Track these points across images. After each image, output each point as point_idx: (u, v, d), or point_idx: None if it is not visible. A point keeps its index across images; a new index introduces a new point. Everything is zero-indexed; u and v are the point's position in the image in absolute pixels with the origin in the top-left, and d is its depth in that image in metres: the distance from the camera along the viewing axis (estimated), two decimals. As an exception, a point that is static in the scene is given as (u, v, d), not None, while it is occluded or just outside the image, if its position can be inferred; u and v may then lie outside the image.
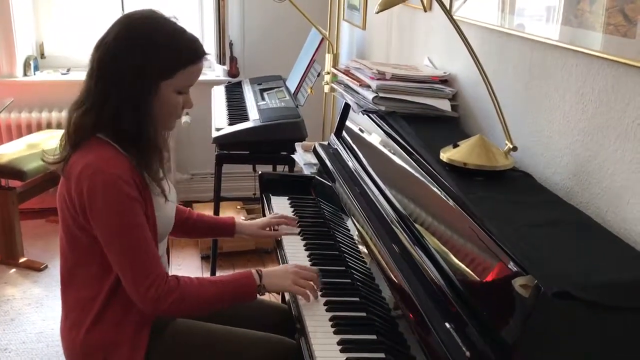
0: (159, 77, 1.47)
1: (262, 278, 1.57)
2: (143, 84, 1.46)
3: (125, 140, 1.49)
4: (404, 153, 1.73)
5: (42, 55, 4.05)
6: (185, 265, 3.49)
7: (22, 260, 3.42)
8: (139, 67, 1.45)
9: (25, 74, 3.93)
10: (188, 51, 1.51)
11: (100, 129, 1.49)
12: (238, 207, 3.82)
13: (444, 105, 2.00)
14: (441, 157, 1.57)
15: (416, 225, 1.53)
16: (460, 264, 1.29)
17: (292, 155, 2.65)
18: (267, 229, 1.96)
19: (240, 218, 2.00)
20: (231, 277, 1.58)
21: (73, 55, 4.04)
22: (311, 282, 1.59)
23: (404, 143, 1.76)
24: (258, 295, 1.58)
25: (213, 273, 3.14)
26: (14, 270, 3.37)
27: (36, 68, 3.96)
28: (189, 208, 1.93)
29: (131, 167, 1.48)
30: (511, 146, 1.53)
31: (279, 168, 3.32)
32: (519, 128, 1.68)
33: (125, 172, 1.46)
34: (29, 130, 3.84)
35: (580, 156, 1.45)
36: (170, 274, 1.78)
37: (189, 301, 1.50)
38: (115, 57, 1.46)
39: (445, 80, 2.08)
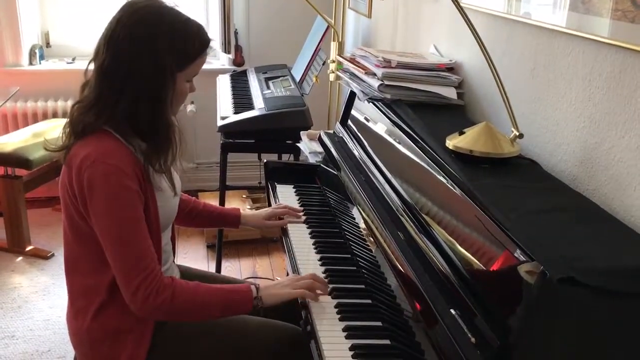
0: (176, 69, 1.47)
1: (260, 290, 1.53)
2: (162, 77, 1.45)
3: (136, 134, 1.49)
4: (409, 141, 1.72)
5: (48, 44, 4.05)
6: (191, 254, 3.51)
7: (28, 248, 3.44)
8: (157, 61, 1.44)
9: (30, 63, 3.93)
10: (199, 40, 1.50)
11: (110, 122, 1.48)
12: (243, 196, 3.83)
13: (450, 93, 2.00)
14: (447, 145, 1.57)
15: (422, 213, 1.53)
16: (466, 251, 1.29)
17: (297, 144, 2.65)
18: (272, 219, 1.97)
19: (245, 207, 2.01)
20: (228, 285, 1.56)
21: (78, 44, 4.04)
22: (310, 281, 1.54)
23: (409, 131, 1.75)
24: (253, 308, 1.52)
25: (219, 262, 3.16)
26: (20, 258, 3.40)
27: (42, 57, 3.96)
28: (194, 197, 1.93)
29: (133, 159, 1.48)
30: (517, 133, 1.52)
31: (285, 157, 3.32)
32: (525, 115, 1.67)
33: (126, 164, 1.45)
34: (35, 119, 3.84)
35: (587, 143, 1.45)
36: (176, 262, 1.80)
37: (181, 301, 1.46)
38: (131, 53, 1.43)
39: (451, 68, 2.07)
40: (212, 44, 1.55)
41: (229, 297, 1.51)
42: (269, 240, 3.64)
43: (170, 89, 1.48)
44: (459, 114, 1.98)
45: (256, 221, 1.97)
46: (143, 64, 1.44)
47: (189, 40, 1.48)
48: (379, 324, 1.43)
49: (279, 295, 1.54)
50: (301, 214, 1.99)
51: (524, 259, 1.09)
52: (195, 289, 1.49)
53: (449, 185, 1.45)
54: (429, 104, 1.98)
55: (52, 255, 3.40)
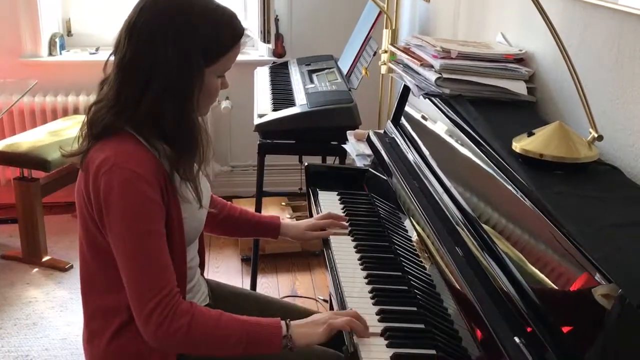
0: (204, 64, 1.49)
1: (290, 327, 1.50)
2: (189, 73, 1.47)
3: (160, 136, 1.51)
4: (471, 143, 1.72)
5: (69, 33, 4.16)
6: (223, 267, 3.56)
7: (45, 259, 3.53)
8: (184, 55, 1.46)
9: (50, 54, 4.04)
10: (230, 31, 1.52)
11: (132, 123, 1.50)
12: (283, 203, 3.86)
13: (519, 87, 1.98)
14: (513, 147, 1.56)
15: (484, 226, 1.52)
16: (534, 270, 1.29)
17: (343, 145, 2.66)
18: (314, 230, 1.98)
19: (285, 216, 2.03)
20: (255, 318, 1.53)
21: (103, 33, 4.14)
22: (349, 319, 1.50)
23: (471, 131, 1.75)
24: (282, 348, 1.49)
25: (254, 278, 3.19)
26: (36, 269, 3.49)
27: (62, 47, 4.08)
28: (230, 202, 1.95)
29: (156, 164, 1.50)
30: (596, 135, 1.51)
31: (329, 159, 3.33)
32: (605, 114, 1.65)
33: (147, 171, 1.47)
34: (54, 115, 3.95)
35: (678, 147, 1.42)
36: (207, 276, 1.83)
37: (200, 331, 1.45)
38: (155, 46, 1.45)
39: (520, 59, 2.06)
40: (247, 33, 1.56)
41: (254, 330, 1.48)
42: (311, 254, 3.65)
43: (197, 86, 1.49)
44: (529, 112, 1.96)
45: (296, 232, 1.99)
46: (167, 58, 1.45)
47: (220, 31, 1.50)
48: (433, 352, 1.43)
49: (312, 335, 1.50)
50: (346, 223, 2.00)
51: (600, 281, 1.08)
52: (217, 318, 1.49)
53: (515, 195, 1.44)
54: (495, 100, 1.96)
55: (71, 266, 3.49)
